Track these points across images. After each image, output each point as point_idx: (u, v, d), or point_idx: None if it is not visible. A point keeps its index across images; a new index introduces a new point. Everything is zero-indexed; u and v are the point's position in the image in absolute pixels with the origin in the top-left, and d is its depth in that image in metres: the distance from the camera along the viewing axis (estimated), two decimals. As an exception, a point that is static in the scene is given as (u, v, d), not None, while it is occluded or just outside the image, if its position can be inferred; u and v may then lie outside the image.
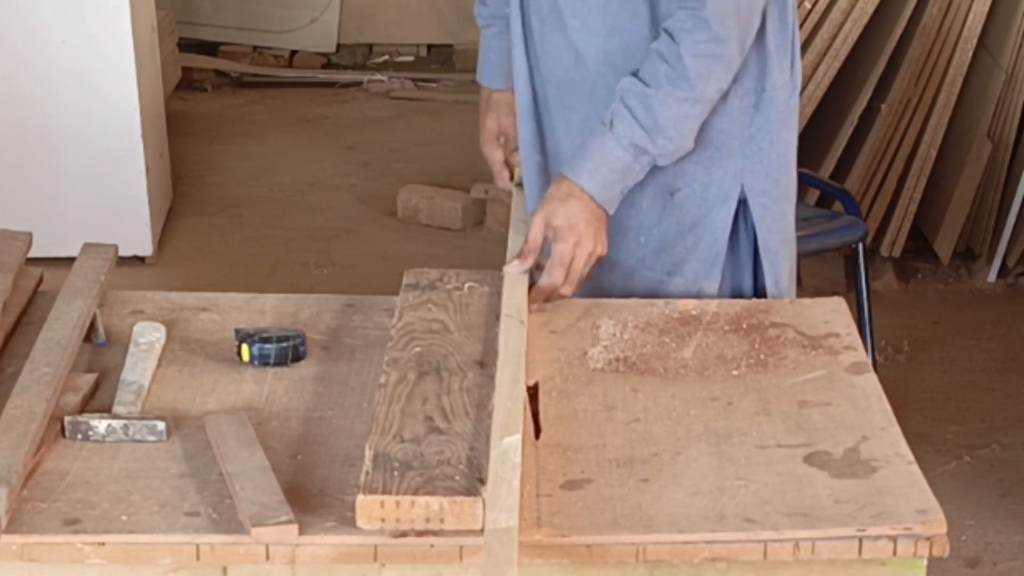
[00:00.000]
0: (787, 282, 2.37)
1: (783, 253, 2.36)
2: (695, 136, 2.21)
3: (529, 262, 2.18)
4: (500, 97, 2.57)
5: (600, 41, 2.27)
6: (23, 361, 1.91)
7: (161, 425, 1.81)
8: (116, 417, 1.81)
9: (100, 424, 1.80)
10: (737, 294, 2.35)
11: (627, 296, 2.27)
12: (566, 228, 2.17)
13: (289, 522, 1.61)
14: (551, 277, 2.18)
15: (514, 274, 2.16)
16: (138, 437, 1.80)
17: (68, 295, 2.08)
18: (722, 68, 2.19)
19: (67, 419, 1.81)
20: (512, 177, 2.56)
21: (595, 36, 2.28)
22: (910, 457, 1.79)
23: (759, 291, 2.36)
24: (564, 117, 2.35)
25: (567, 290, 2.19)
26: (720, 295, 2.33)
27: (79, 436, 1.80)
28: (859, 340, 2.08)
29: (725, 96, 2.25)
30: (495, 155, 2.58)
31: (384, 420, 1.77)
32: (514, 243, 2.23)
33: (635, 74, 2.19)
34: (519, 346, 1.92)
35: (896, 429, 1.85)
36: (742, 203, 2.32)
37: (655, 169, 2.25)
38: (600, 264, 2.23)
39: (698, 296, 2.30)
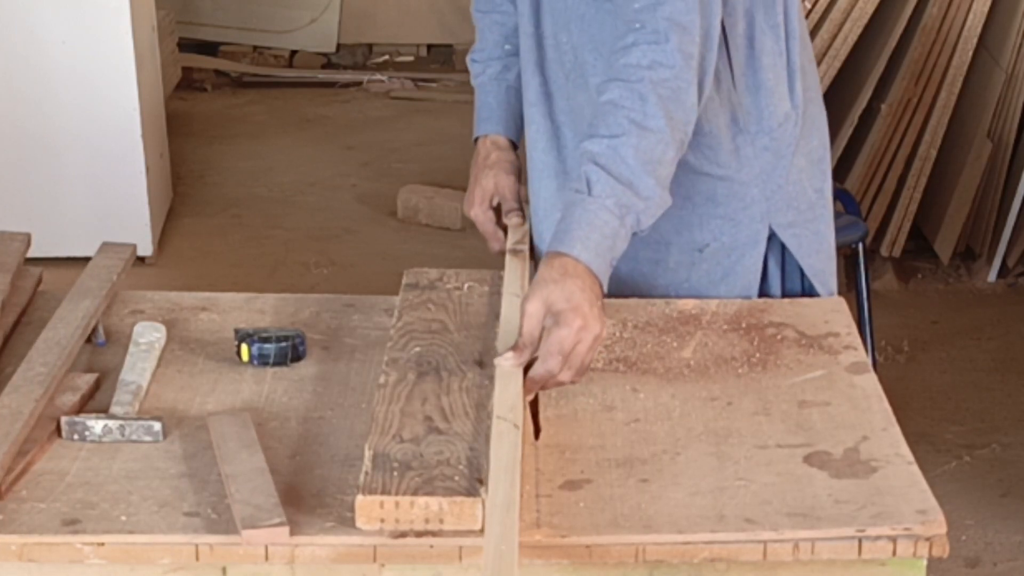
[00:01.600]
0: (835, 286, 2.34)
1: (829, 268, 2.32)
2: (668, 185, 2.05)
3: (525, 356, 1.89)
4: (502, 156, 2.41)
5: None
6: (21, 361, 1.91)
7: (157, 426, 1.81)
8: (112, 417, 1.81)
9: (96, 424, 1.80)
10: None
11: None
12: (569, 311, 1.89)
13: (280, 524, 1.61)
14: (547, 366, 1.87)
15: (507, 368, 1.87)
16: (134, 438, 1.80)
17: (77, 294, 2.08)
18: (685, 109, 2.06)
19: (63, 419, 1.81)
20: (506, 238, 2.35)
21: None
22: (910, 457, 1.79)
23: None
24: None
25: (566, 376, 1.89)
26: None
27: (75, 436, 1.80)
28: (859, 340, 2.08)
29: (738, 148, 2.22)
30: (487, 217, 2.38)
31: (383, 420, 1.77)
32: (507, 325, 1.95)
33: (592, 134, 2.04)
34: (514, 456, 1.68)
35: (896, 429, 1.85)
36: (771, 237, 2.28)
37: (680, 228, 2.20)
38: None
39: None
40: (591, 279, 1.94)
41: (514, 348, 1.88)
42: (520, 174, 2.42)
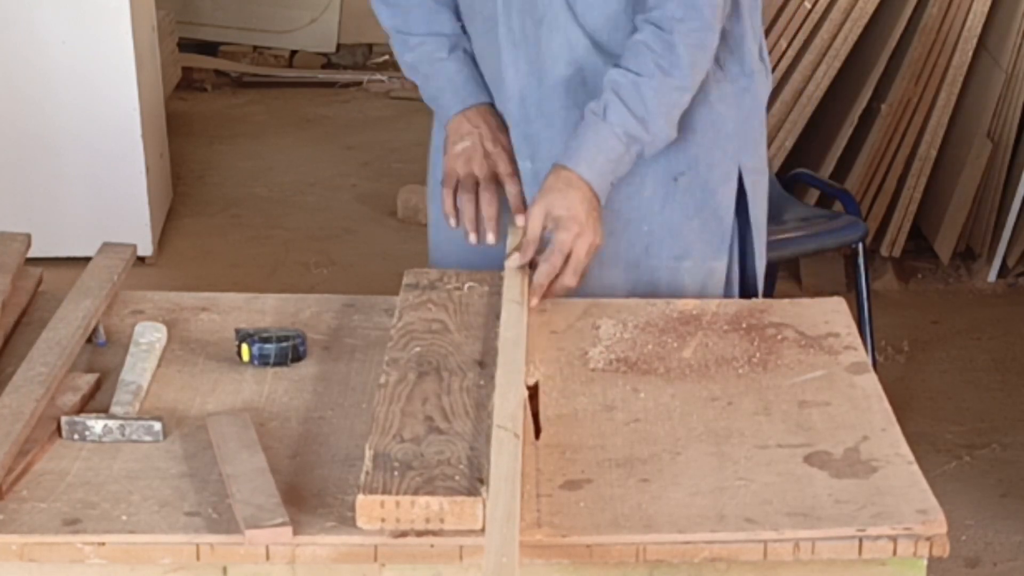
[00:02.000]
0: (762, 253, 2.43)
1: (764, 227, 2.44)
2: (676, 125, 2.24)
3: (529, 254, 2.16)
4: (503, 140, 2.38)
5: (622, 35, 2.26)
6: (22, 361, 1.91)
7: (157, 426, 1.81)
8: (112, 417, 1.81)
9: (96, 424, 1.80)
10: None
11: (634, 288, 2.28)
12: (568, 218, 2.15)
13: (283, 524, 1.61)
14: (550, 263, 2.14)
15: (516, 265, 2.15)
16: (134, 438, 1.80)
17: (77, 294, 2.08)
18: (708, 56, 2.24)
19: (63, 419, 1.81)
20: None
21: (616, 31, 2.27)
22: (910, 457, 1.79)
23: (744, 264, 2.41)
24: (564, 117, 2.30)
25: (570, 280, 2.16)
26: (728, 273, 2.38)
27: (75, 436, 1.80)
28: (859, 340, 2.08)
29: (720, 81, 2.31)
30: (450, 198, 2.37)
31: (384, 420, 1.77)
32: (507, 332, 2.00)
33: (620, 65, 2.21)
34: (514, 465, 1.71)
35: (896, 429, 1.85)
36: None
37: (656, 156, 2.26)
38: (601, 259, 2.22)
39: (708, 276, 2.34)
40: (591, 193, 2.17)
41: (519, 248, 2.15)
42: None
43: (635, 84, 2.19)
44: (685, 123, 2.28)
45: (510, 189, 2.34)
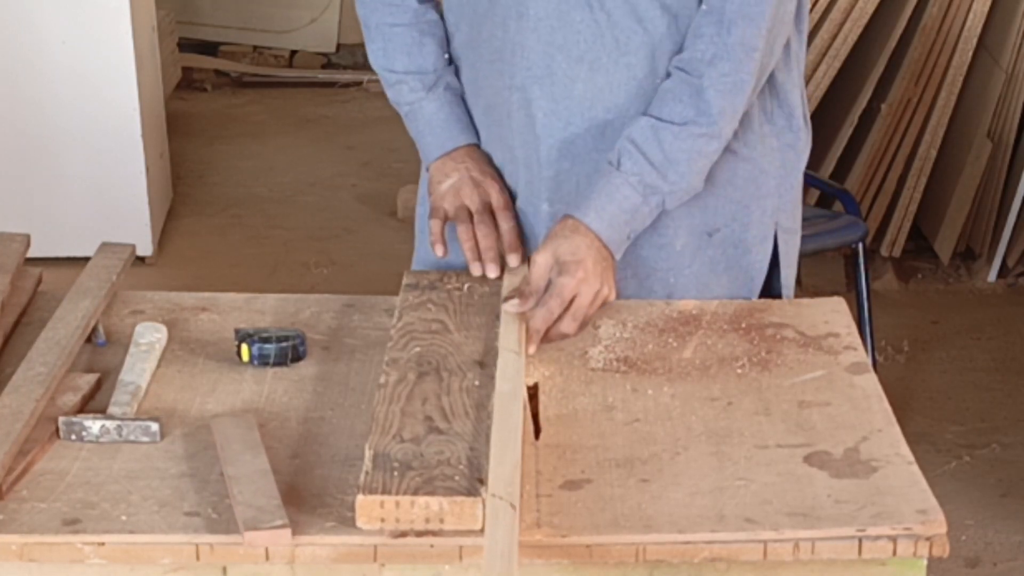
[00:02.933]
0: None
1: (792, 288, 2.34)
2: (705, 176, 2.11)
3: (530, 303, 2.02)
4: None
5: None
6: (22, 361, 1.91)
7: (155, 426, 1.80)
8: (110, 418, 1.81)
9: (94, 425, 1.80)
10: None
11: None
12: (572, 262, 2.03)
13: (283, 526, 1.61)
14: (547, 307, 2.00)
15: (511, 312, 2.02)
16: (132, 438, 1.80)
17: (76, 294, 2.08)
18: (742, 102, 2.10)
19: (61, 419, 1.81)
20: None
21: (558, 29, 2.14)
22: (910, 457, 1.79)
23: None
24: (597, 159, 2.17)
25: (568, 327, 2.02)
26: None
27: (73, 437, 1.80)
28: (859, 340, 2.08)
29: (766, 136, 2.21)
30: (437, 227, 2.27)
31: (384, 420, 1.77)
32: (504, 380, 1.87)
33: (645, 112, 2.10)
34: (517, 382, 1.76)
35: (896, 429, 1.85)
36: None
37: (692, 209, 2.17)
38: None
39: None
40: (600, 244, 2.05)
41: (520, 295, 2.02)
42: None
43: (654, 130, 2.07)
44: (726, 177, 2.19)
45: (504, 225, 2.20)
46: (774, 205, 2.26)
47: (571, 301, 2.03)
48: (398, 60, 2.27)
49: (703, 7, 2.09)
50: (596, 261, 2.04)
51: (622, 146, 2.08)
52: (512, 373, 1.87)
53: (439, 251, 2.23)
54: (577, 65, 2.14)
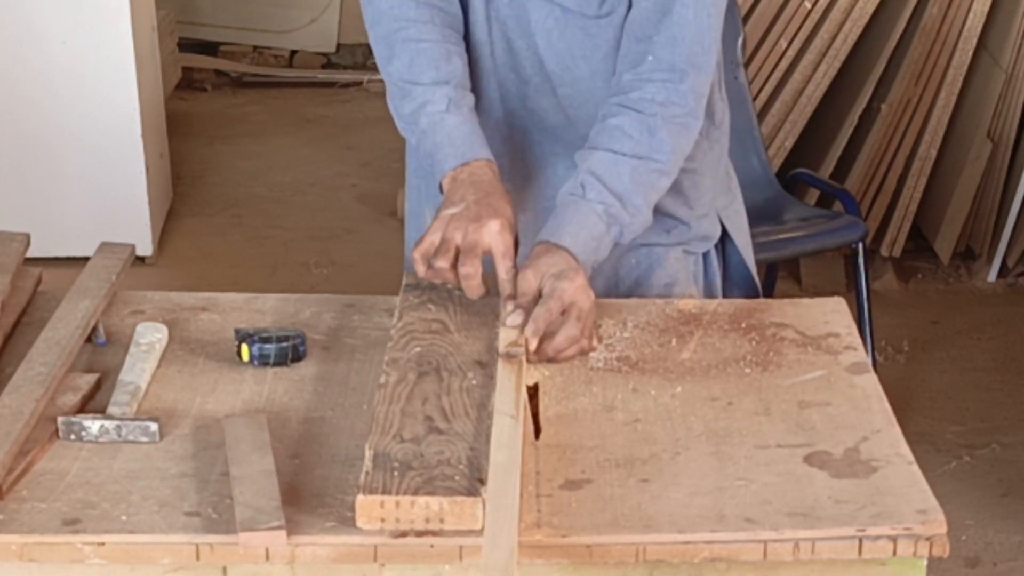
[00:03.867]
0: (752, 260, 2.46)
1: (749, 241, 2.47)
2: (652, 208, 2.15)
3: (530, 312, 1.97)
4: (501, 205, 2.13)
5: (591, 108, 2.20)
6: (22, 361, 1.91)
7: (154, 426, 1.80)
8: (109, 418, 1.81)
9: (93, 425, 1.80)
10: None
11: None
12: (569, 269, 2.01)
13: (278, 527, 1.60)
14: (547, 308, 1.97)
15: (516, 324, 1.96)
16: (131, 438, 1.80)
17: (76, 294, 2.08)
18: (691, 141, 2.18)
19: (60, 419, 1.81)
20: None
21: (585, 104, 2.23)
22: (910, 457, 1.79)
23: (746, 287, 2.45)
24: (546, 168, 2.29)
25: (573, 329, 1.98)
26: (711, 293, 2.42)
27: (72, 437, 1.80)
28: (859, 340, 2.08)
29: (698, 144, 2.25)
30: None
31: (384, 420, 1.77)
32: (499, 448, 1.71)
33: (595, 146, 2.12)
34: (514, 451, 1.67)
35: (896, 429, 1.85)
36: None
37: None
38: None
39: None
40: (577, 264, 2.03)
41: (517, 306, 1.98)
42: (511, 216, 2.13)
43: (613, 163, 2.10)
44: (675, 192, 2.26)
45: (501, 271, 2.06)
46: (711, 195, 2.38)
47: (570, 306, 1.99)
48: (426, 73, 2.19)
49: (647, 54, 2.13)
50: (583, 276, 2.02)
51: (584, 178, 2.09)
52: (508, 441, 1.71)
53: (420, 270, 2.10)
54: (523, 86, 2.26)
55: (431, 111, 2.18)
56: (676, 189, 2.26)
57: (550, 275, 2.01)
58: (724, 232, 2.43)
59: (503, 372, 1.87)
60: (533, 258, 2.04)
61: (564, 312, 1.99)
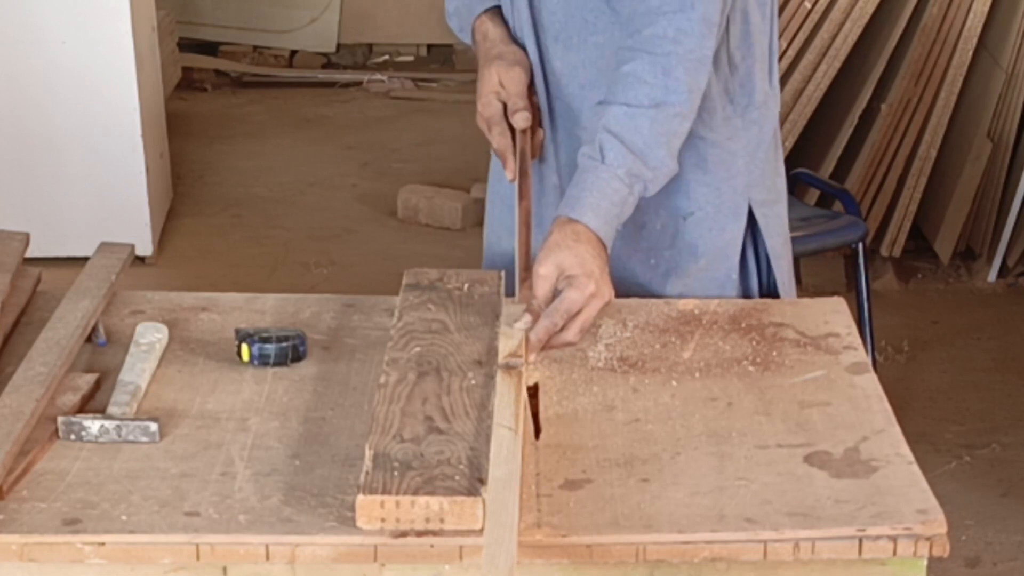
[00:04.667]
0: (789, 280, 2.37)
1: (784, 253, 2.36)
2: (677, 156, 2.11)
3: (539, 319, 1.93)
4: (499, 48, 2.27)
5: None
6: (22, 361, 1.91)
7: (154, 426, 1.80)
8: (109, 418, 1.81)
9: (93, 425, 1.80)
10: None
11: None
12: (583, 275, 1.96)
13: None
14: (551, 320, 1.92)
15: (520, 331, 1.91)
16: (131, 438, 1.80)
17: (76, 294, 2.08)
18: (706, 74, 2.12)
19: (60, 419, 1.81)
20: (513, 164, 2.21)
21: (609, 60, 2.20)
22: (910, 457, 1.79)
23: (769, 294, 2.34)
24: (573, 133, 2.26)
25: (574, 336, 1.95)
26: None
27: (72, 436, 1.80)
28: (859, 340, 2.08)
29: (730, 117, 2.24)
30: (494, 121, 2.24)
31: (384, 420, 1.77)
32: (498, 460, 1.68)
33: (611, 100, 2.09)
34: (513, 466, 1.64)
35: (896, 429, 1.85)
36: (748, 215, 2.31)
37: (667, 192, 2.18)
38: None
39: None
40: (600, 245, 2.01)
41: (528, 310, 1.93)
42: (526, 65, 2.27)
43: (630, 117, 2.06)
44: (694, 162, 2.22)
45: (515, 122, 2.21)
46: (744, 182, 2.29)
47: (577, 312, 1.95)
48: None
49: None
50: (601, 269, 1.99)
51: (602, 138, 2.06)
52: (507, 455, 1.67)
53: (508, 173, 2.22)
54: (553, 44, 2.24)
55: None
56: (700, 161, 2.22)
57: (564, 277, 1.97)
58: (756, 233, 2.32)
59: (502, 384, 1.82)
60: (551, 247, 1.99)
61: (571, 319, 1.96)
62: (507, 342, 1.90)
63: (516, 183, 2.18)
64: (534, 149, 2.25)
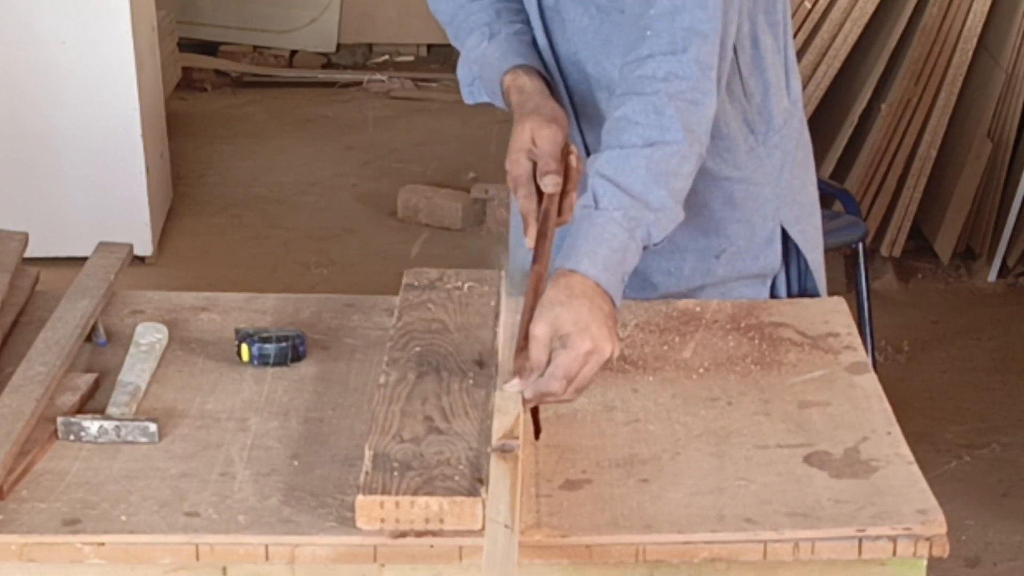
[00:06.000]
0: (824, 283, 2.34)
1: (822, 262, 2.34)
2: (683, 199, 1.97)
3: (531, 382, 1.81)
4: (536, 101, 2.14)
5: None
6: (21, 361, 1.91)
7: (153, 427, 1.80)
8: (108, 418, 1.81)
9: (92, 425, 1.80)
10: None
11: None
12: (576, 333, 1.80)
13: None
14: (549, 387, 1.79)
15: (513, 393, 1.79)
16: (130, 439, 1.80)
17: (75, 294, 2.08)
18: (706, 118, 2.00)
19: (60, 420, 1.80)
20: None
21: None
22: (910, 457, 1.79)
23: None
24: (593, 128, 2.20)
25: (570, 397, 1.82)
26: None
27: (71, 437, 1.80)
28: (859, 340, 2.08)
29: (754, 148, 2.21)
30: (522, 182, 2.09)
31: (384, 420, 1.77)
32: (491, 560, 1.57)
33: (603, 147, 1.98)
34: (509, 566, 1.54)
35: (896, 429, 1.85)
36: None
37: (696, 235, 2.16)
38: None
39: None
40: (600, 296, 1.85)
41: (519, 373, 1.81)
42: (564, 122, 2.12)
43: (624, 158, 1.93)
44: (723, 201, 2.20)
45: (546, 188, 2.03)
46: (773, 208, 2.25)
47: (577, 373, 1.81)
48: (467, 29, 2.25)
49: (646, 30, 2.00)
50: (600, 323, 1.82)
51: (594, 183, 1.93)
52: (502, 556, 1.55)
53: (528, 240, 2.03)
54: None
55: (477, 51, 2.22)
56: (728, 200, 2.19)
57: (559, 337, 1.82)
58: (792, 249, 2.29)
59: (496, 470, 1.66)
60: (546, 304, 1.84)
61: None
62: (502, 419, 1.75)
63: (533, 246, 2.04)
64: (562, 211, 2.06)
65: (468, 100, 2.33)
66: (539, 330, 1.82)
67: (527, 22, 2.24)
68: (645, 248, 1.93)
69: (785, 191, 2.26)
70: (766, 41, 2.19)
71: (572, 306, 1.82)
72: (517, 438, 1.72)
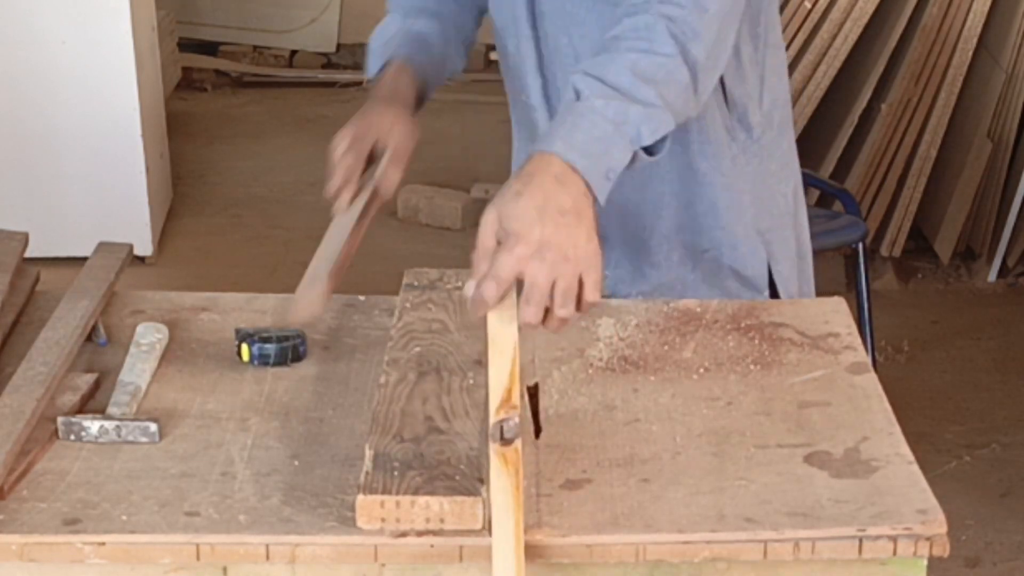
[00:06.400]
0: (795, 291, 2.35)
1: (792, 274, 2.33)
2: (676, 112, 1.84)
3: (480, 271, 1.68)
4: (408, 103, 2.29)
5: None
6: (21, 361, 1.91)
7: (153, 427, 1.80)
8: (109, 418, 1.81)
9: (92, 425, 1.80)
10: None
11: None
12: (514, 234, 1.65)
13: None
14: (525, 315, 1.66)
15: (469, 294, 1.70)
16: (130, 439, 1.80)
17: (75, 294, 2.08)
18: (699, 50, 1.87)
19: (60, 419, 1.80)
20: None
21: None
22: (910, 457, 1.79)
23: None
24: None
25: (564, 312, 1.68)
26: None
27: (71, 437, 1.80)
28: (859, 340, 2.08)
29: (735, 155, 2.23)
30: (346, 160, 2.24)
31: (384, 420, 1.77)
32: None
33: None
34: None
35: (896, 429, 1.85)
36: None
37: (682, 228, 2.20)
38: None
39: None
40: (574, 184, 1.68)
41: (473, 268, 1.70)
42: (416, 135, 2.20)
43: (608, 61, 1.81)
44: (707, 207, 2.22)
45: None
46: (752, 215, 2.28)
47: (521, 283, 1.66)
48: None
49: None
50: (555, 219, 1.65)
51: (576, 79, 1.79)
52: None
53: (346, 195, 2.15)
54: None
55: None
56: (711, 208, 2.21)
57: (501, 231, 1.66)
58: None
59: (496, 469, 1.61)
60: (500, 192, 1.69)
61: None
62: (499, 361, 1.64)
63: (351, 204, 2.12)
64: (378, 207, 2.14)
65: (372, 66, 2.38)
66: (486, 215, 1.67)
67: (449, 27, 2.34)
68: (634, 161, 1.78)
69: (759, 201, 2.29)
70: (746, 52, 2.20)
71: (525, 194, 1.66)
72: (516, 407, 1.62)
